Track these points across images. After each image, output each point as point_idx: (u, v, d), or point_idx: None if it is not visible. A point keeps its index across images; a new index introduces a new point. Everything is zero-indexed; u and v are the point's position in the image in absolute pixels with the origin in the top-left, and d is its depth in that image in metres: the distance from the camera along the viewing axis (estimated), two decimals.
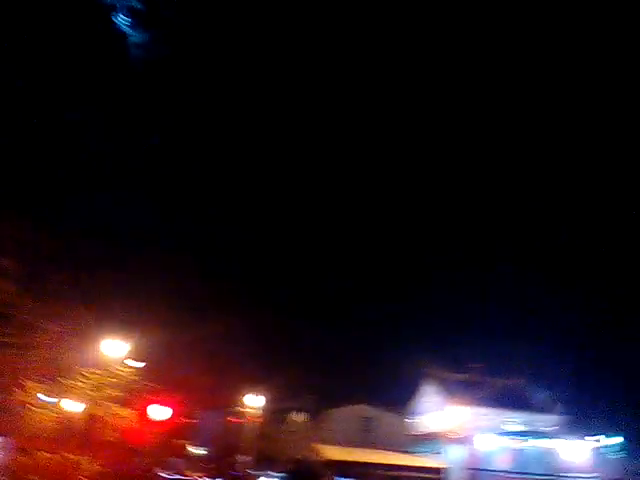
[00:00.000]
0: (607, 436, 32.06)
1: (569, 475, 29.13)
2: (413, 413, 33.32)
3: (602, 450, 31.83)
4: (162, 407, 27.19)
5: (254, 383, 31.49)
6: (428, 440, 30.45)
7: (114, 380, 18.38)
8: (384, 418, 31.22)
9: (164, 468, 26.57)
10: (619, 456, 32.14)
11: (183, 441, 32.66)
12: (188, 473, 28.54)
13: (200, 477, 28.00)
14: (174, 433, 30.54)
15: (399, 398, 33.89)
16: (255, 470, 29.61)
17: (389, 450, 28.75)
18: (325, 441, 28.85)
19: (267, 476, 29.44)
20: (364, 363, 34.28)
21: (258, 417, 30.92)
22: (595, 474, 30.20)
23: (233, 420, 35.08)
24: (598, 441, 31.47)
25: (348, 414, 30.86)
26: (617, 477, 30.63)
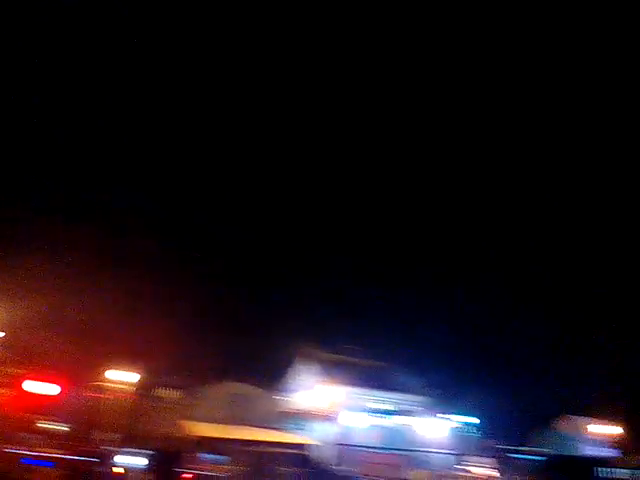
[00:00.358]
0: (464, 416, 34.79)
1: (428, 450, 31.11)
2: (285, 391, 33.73)
3: (459, 428, 34.47)
4: (22, 380, 25.23)
5: (124, 358, 30.02)
6: (298, 417, 30.97)
7: None
8: (255, 395, 31.19)
9: (13, 444, 24.48)
10: (474, 434, 35.06)
11: (38, 416, 30.35)
12: (41, 450, 26.54)
13: (55, 454, 26.13)
14: (30, 408, 28.41)
15: (271, 376, 34.09)
16: (119, 447, 28.32)
17: (259, 427, 28.83)
18: (195, 418, 28.27)
19: (130, 453, 28.30)
20: (236, 340, 33.90)
21: (127, 393, 29.63)
22: (451, 450, 32.64)
23: (100, 396, 33.23)
24: (456, 421, 34.03)
25: (219, 391, 30.45)
26: (470, 453, 33.42)
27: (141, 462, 25.67)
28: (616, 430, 17.91)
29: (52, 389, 28.99)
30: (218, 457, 27.02)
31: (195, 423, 27.96)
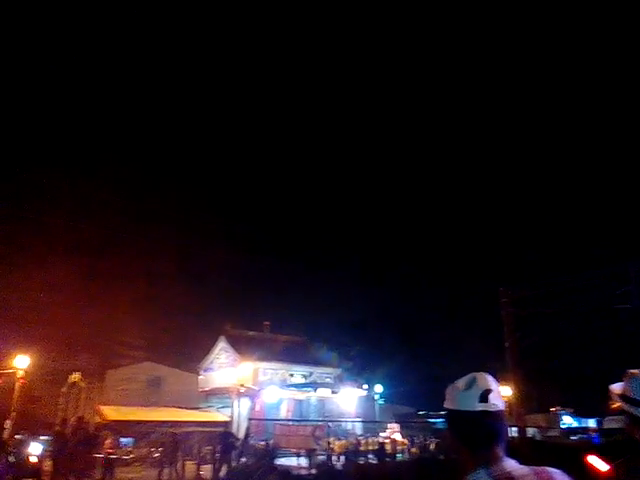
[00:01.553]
0: (372, 385, 36.55)
1: (341, 420, 32.32)
2: (204, 370, 33.28)
3: (368, 397, 36.17)
4: None
5: (19, 341, 27.81)
6: (218, 395, 30.78)
7: None
8: (173, 376, 30.50)
9: None
10: (380, 401, 37.02)
11: None
12: None
13: None
14: None
15: (189, 356, 33.54)
16: (19, 434, 26.38)
17: (178, 407, 28.29)
18: (109, 402, 27.06)
19: (33, 440, 26.48)
20: (151, 320, 32.80)
21: (24, 378, 27.52)
22: (361, 418, 34.19)
23: None
24: (365, 390, 35.63)
25: (134, 373, 29.37)
26: (376, 419, 35.29)
27: (46, 449, 24.23)
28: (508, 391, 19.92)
29: None
30: (134, 440, 26.23)
31: (107, 407, 26.80)
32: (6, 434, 24.72)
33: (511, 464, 1.51)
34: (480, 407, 1.54)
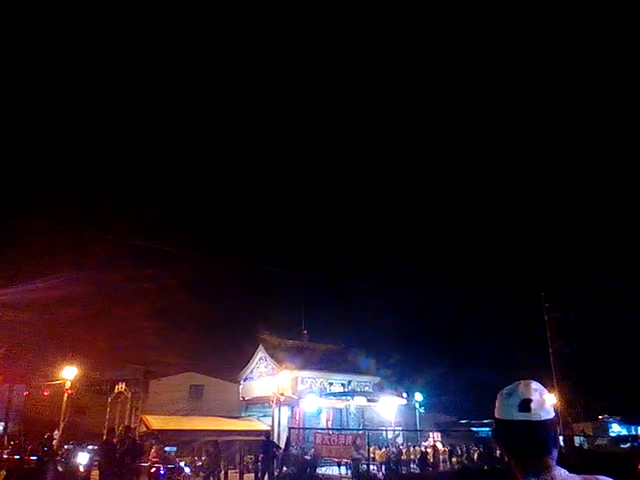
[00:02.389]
0: (413, 393, 36.17)
1: (381, 428, 32.09)
2: (244, 379, 33.64)
3: (409, 406, 35.81)
4: None
5: (70, 352, 28.75)
6: (258, 404, 31.05)
7: None
8: (214, 385, 30.94)
9: None
10: (420, 410, 36.58)
11: None
12: None
13: (0, 454, 24.71)
14: None
15: (229, 365, 33.94)
16: (67, 444, 27.21)
17: (219, 416, 28.67)
18: (152, 411, 27.65)
19: (80, 450, 27.27)
20: (194, 330, 33.38)
21: (72, 389, 28.38)
22: (402, 426, 33.85)
23: (42, 393, 31.70)
24: (405, 398, 35.28)
25: (177, 383, 29.94)
26: (417, 428, 34.87)
27: (93, 458, 24.87)
28: (554, 399, 19.37)
29: None
30: (177, 449, 26.68)
31: (152, 416, 27.38)
32: (55, 444, 25.59)
33: (560, 473, 1.49)
34: (520, 417, 1.52)
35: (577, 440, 23.96)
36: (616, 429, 35.21)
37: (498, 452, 24.94)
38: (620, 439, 31.07)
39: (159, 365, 30.75)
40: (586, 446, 26.22)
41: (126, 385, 29.41)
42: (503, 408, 1.56)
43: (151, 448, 23.70)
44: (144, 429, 26.24)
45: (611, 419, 35.51)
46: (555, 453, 1.54)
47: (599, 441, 30.21)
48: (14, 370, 31.56)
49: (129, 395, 29.06)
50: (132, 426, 26.63)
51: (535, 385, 1.60)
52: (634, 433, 32.93)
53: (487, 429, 34.15)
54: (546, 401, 1.57)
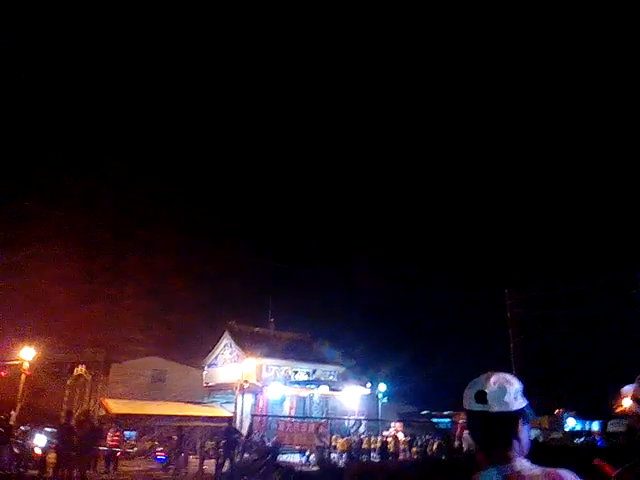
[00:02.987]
0: (376, 383, 36.57)
1: (344, 418, 32.37)
2: (208, 365, 33.40)
3: (372, 396, 36.21)
4: None
5: (28, 332, 27.99)
6: (222, 391, 30.90)
7: None
8: (178, 370, 30.64)
9: None
10: (383, 400, 37.04)
11: None
12: None
13: None
14: None
15: (194, 351, 33.67)
16: (24, 425, 26.59)
17: (181, 402, 28.44)
18: (113, 395, 27.22)
19: (38, 432, 26.71)
20: (158, 315, 32.89)
21: (30, 370, 27.71)
22: (364, 416, 34.23)
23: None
24: (368, 388, 35.65)
25: (139, 367, 29.51)
26: (379, 417, 35.32)
27: (50, 441, 24.36)
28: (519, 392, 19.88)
29: None
30: (137, 433, 26.38)
31: (112, 400, 26.97)
32: (11, 425, 24.93)
33: (522, 464, 1.51)
34: (477, 407, 1.54)
35: (533, 433, 24.59)
36: (571, 423, 36.29)
37: (457, 443, 25.50)
38: (575, 433, 32.03)
39: (121, 349, 30.28)
40: (542, 439, 26.97)
41: (86, 368, 28.84)
42: (465, 398, 1.59)
43: (109, 432, 23.36)
44: (104, 413, 25.82)
45: (566, 414, 36.56)
46: (517, 445, 1.54)
47: (554, 435, 31.10)
48: None
49: (89, 378, 28.53)
50: (92, 410, 26.25)
51: (497, 377, 1.58)
52: (588, 428, 33.97)
53: (447, 420, 34.76)
54: (506, 394, 1.55)
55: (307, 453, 24.15)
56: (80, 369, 28.96)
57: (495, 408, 1.53)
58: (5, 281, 28.46)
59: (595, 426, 34.10)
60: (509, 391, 1.56)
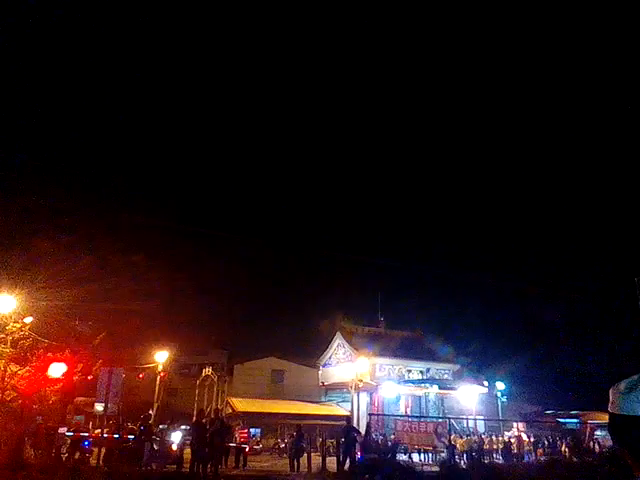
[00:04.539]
0: (495, 382, 35.28)
1: (461, 417, 31.64)
2: (323, 365, 34.30)
3: (490, 394, 35.00)
4: (59, 364, 25.39)
5: (161, 338, 30.51)
6: (337, 390, 31.58)
7: (3, 337, 16.86)
8: (295, 370, 31.80)
9: (65, 426, 25.13)
10: (502, 399, 35.64)
11: (83, 398, 31.02)
12: (89, 430, 27.23)
13: (101, 433, 26.80)
14: (73, 391, 28.96)
15: (310, 351, 34.69)
16: (161, 424, 29.00)
17: (299, 401, 29.47)
18: (236, 394, 28.90)
19: (174, 430, 29.01)
20: (275, 317, 34.34)
21: (165, 372, 30.14)
22: (483, 415, 33.20)
23: (137, 376, 33.89)
24: (486, 387, 34.50)
25: (259, 367, 31.07)
26: (499, 417, 34.04)
27: (185, 438, 26.32)
28: None
29: (91, 372, 29.55)
30: (261, 431, 27.74)
31: (237, 399, 28.59)
32: (146, 423, 27.30)
33: None
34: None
35: None
36: None
37: (588, 444, 23.94)
38: None
39: (243, 350, 32.02)
40: None
41: (212, 369, 30.89)
42: (625, 403, 1.43)
43: (238, 429, 24.78)
44: (230, 411, 27.47)
45: None
46: None
47: None
48: (112, 354, 33.93)
49: (215, 378, 30.51)
50: (219, 408, 28.03)
51: None
52: None
53: (575, 420, 32.69)
54: None
55: (427, 453, 23.95)
56: (207, 370, 31.07)
57: None
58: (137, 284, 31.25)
59: None
60: None
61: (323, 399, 31.83)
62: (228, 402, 28.45)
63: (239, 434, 24.96)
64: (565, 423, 33.25)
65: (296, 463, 20.56)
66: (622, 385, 1.46)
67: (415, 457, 23.42)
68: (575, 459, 22.15)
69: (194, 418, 27.83)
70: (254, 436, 26.79)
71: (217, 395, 29.54)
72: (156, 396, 29.23)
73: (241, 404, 27.90)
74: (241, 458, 21.36)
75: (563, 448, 25.94)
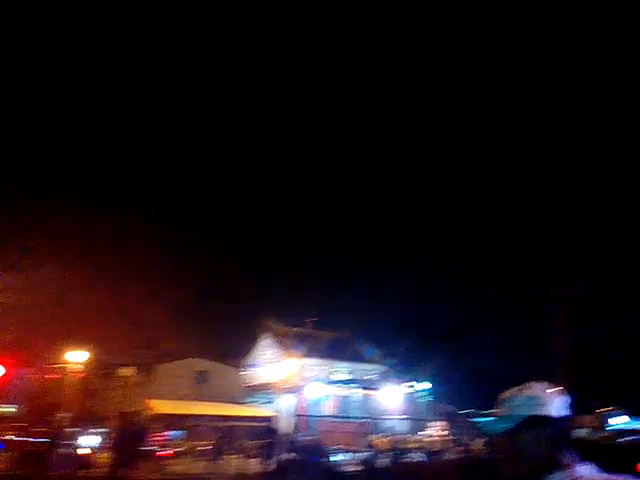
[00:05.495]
0: (418, 382, 36.23)
1: (385, 417, 32.26)
2: (248, 366, 33.84)
3: (413, 395, 35.90)
4: None
5: (76, 337, 28.96)
6: (262, 391, 31.25)
7: None
8: (219, 371, 31.16)
9: None
10: (427, 399, 36.66)
11: None
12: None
13: (7, 435, 25.08)
14: None
15: (234, 351, 34.13)
16: (75, 427, 27.55)
17: (224, 402, 28.89)
18: (157, 396, 27.91)
19: (88, 433, 27.66)
20: (198, 317, 33.42)
21: (80, 372, 28.72)
22: (406, 415, 34.00)
23: (50, 376, 32.03)
24: (411, 387, 35.37)
25: (182, 368, 30.18)
26: (424, 417, 35.00)
27: (100, 441, 25.12)
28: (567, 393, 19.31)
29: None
30: (183, 434, 26.96)
31: (157, 401, 27.63)
32: (57, 426, 25.84)
33: (586, 469, 1.49)
34: (565, 413, 1.56)
35: (578, 432, 23.93)
36: (617, 421, 35.12)
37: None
38: (621, 432, 30.96)
39: (165, 350, 30.98)
40: (587, 437, 26.16)
41: (134, 369, 29.69)
42: (524, 406, 1.56)
43: (154, 432, 23.95)
44: (151, 413, 26.52)
45: (612, 411, 35.41)
46: (575, 449, 1.55)
47: (600, 433, 30.13)
48: (25, 354, 31.84)
49: (136, 379, 29.35)
50: (140, 410, 26.99)
51: (547, 385, 1.62)
52: (635, 427, 32.77)
53: (489, 419, 34.12)
54: (562, 398, 1.59)
55: (351, 453, 24.14)
56: (128, 370, 29.86)
57: (559, 413, 1.55)
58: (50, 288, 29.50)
59: None
60: (563, 396, 1.59)
61: (248, 400, 31.39)
62: (149, 404, 27.42)
63: (158, 437, 24.14)
64: (480, 422, 34.66)
65: (217, 465, 20.19)
66: (520, 389, 1.61)
67: (339, 457, 23.51)
68: (490, 456, 23.03)
69: (114, 420, 26.71)
70: (174, 438, 25.98)
71: (138, 397, 28.41)
72: (73, 397, 27.78)
73: (162, 406, 26.96)
74: (159, 462, 20.72)
75: (478, 446, 26.96)
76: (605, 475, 1.47)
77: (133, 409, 26.98)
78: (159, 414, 26.49)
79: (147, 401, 27.66)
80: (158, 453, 21.79)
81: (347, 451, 24.18)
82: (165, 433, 25.87)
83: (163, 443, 24.10)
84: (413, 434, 30.20)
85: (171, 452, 23.88)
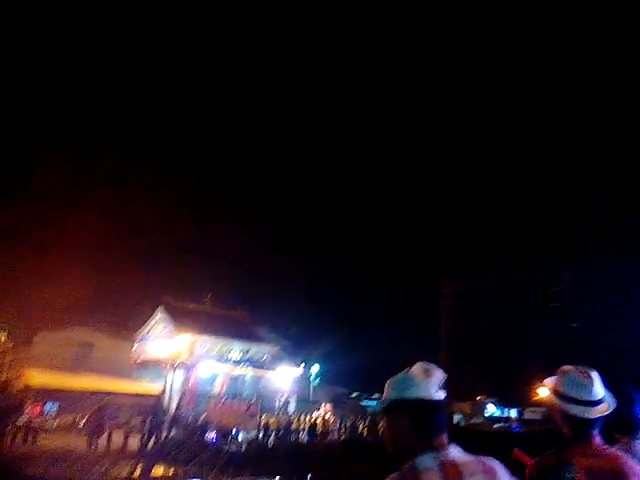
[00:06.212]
0: (310, 364, 36.99)
1: (276, 398, 32.57)
2: (140, 340, 32.51)
3: (305, 376, 36.61)
4: None
5: None
6: (152, 366, 30.18)
7: None
8: (107, 343, 29.63)
9: None
10: (318, 382, 37.57)
11: None
12: None
13: None
14: None
15: (127, 325, 32.66)
16: None
17: (109, 376, 27.56)
18: (36, 365, 26.04)
19: None
20: (86, 284, 31.41)
21: None
22: (295, 396, 34.61)
23: None
24: (301, 369, 36.00)
25: (65, 338, 28.31)
26: (310, 398, 35.86)
27: None
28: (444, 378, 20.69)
29: None
30: (59, 406, 25.52)
31: (34, 371, 25.81)
32: None
33: (455, 451, 1.55)
34: (438, 396, 1.59)
35: (455, 418, 25.77)
36: (491, 410, 38.14)
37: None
38: (494, 419, 33.74)
39: (46, 317, 28.93)
40: (463, 424, 28.20)
41: (7, 335, 27.37)
42: (421, 388, 1.58)
43: (28, 405, 22.43)
44: (25, 384, 24.72)
45: (488, 400, 38.38)
46: (448, 432, 1.60)
47: (475, 420, 32.61)
48: None
49: (10, 346, 27.11)
50: (13, 381, 25.03)
51: (426, 367, 1.64)
52: (507, 414, 35.82)
53: (376, 403, 35.73)
54: (437, 382, 1.62)
55: (238, 432, 24.14)
56: None
57: (443, 396, 1.59)
58: None
59: (513, 413, 36.05)
60: (441, 379, 1.62)
61: (136, 375, 30.18)
62: (24, 374, 25.52)
63: (31, 410, 22.58)
64: (368, 405, 36.18)
65: (95, 442, 19.23)
66: (417, 372, 1.62)
67: (226, 436, 23.40)
68: (371, 439, 24.08)
69: None
70: (50, 412, 24.47)
71: (11, 366, 26.33)
72: None
73: (38, 377, 25.21)
74: (30, 436, 19.41)
75: (361, 428, 28.08)
76: (473, 457, 1.54)
77: (3, 379, 25.01)
78: (34, 386, 24.79)
79: (22, 371, 25.76)
80: (31, 427, 20.41)
81: (236, 430, 24.14)
82: (40, 406, 24.29)
83: (36, 417, 22.61)
84: (302, 415, 30.77)
85: (45, 426, 22.51)
